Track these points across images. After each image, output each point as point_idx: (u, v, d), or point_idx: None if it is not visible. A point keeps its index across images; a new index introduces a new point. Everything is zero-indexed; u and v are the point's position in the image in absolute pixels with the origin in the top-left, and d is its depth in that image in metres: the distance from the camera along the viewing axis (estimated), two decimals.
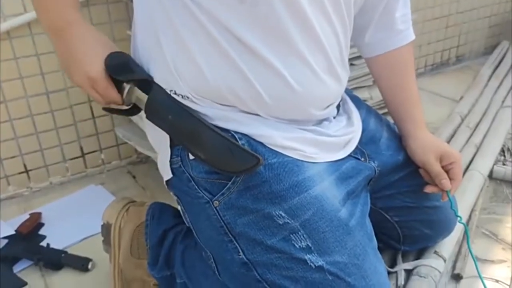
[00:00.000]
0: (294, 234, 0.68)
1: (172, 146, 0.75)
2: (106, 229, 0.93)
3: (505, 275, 1.00)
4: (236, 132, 0.71)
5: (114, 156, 1.46)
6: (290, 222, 0.68)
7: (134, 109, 0.76)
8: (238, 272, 0.71)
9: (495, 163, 1.35)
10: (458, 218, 0.91)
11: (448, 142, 1.44)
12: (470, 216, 1.16)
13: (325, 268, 0.67)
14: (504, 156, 1.39)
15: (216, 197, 0.71)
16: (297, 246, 0.68)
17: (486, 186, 1.28)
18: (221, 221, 0.71)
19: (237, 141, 0.70)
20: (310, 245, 0.68)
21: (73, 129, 1.35)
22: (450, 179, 0.87)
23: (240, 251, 0.70)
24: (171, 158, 0.75)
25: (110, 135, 1.42)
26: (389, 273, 0.97)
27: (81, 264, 1.05)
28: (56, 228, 1.19)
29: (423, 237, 0.96)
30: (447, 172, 0.87)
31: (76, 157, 1.39)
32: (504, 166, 1.33)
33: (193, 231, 0.78)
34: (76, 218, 1.23)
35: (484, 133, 1.48)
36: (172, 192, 0.79)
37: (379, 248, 1.01)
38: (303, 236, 0.68)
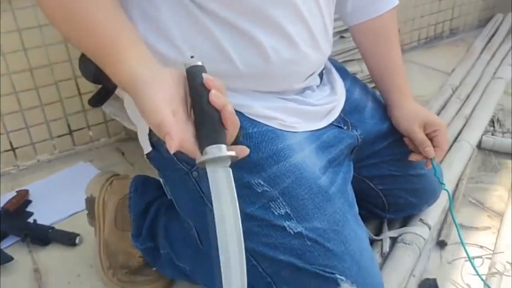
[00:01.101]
0: (273, 202, 0.68)
1: None
2: (90, 202, 0.93)
3: (490, 241, 1.01)
4: None
5: (103, 133, 1.45)
6: (269, 190, 0.68)
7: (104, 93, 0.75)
8: None
9: (484, 133, 1.35)
10: (442, 185, 0.91)
11: (439, 114, 1.44)
12: (457, 185, 1.16)
13: (304, 234, 0.67)
14: (494, 126, 1.39)
15: (194, 167, 0.70)
16: (276, 213, 0.67)
17: (474, 156, 1.28)
18: (200, 191, 0.71)
19: None
20: (289, 212, 0.68)
21: (59, 106, 1.34)
22: (434, 146, 0.86)
23: None
24: (150, 130, 0.74)
25: (97, 112, 1.40)
26: (374, 241, 0.98)
27: (68, 239, 1.06)
28: (43, 205, 1.19)
29: (408, 205, 0.96)
30: (431, 140, 0.87)
31: (64, 135, 1.38)
32: (493, 137, 1.33)
33: (175, 203, 0.78)
34: (63, 195, 1.22)
35: (474, 104, 1.48)
36: (153, 165, 0.79)
37: (364, 217, 1.02)
38: (282, 204, 0.68)
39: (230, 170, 0.55)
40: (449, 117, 1.40)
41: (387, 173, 0.91)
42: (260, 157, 0.69)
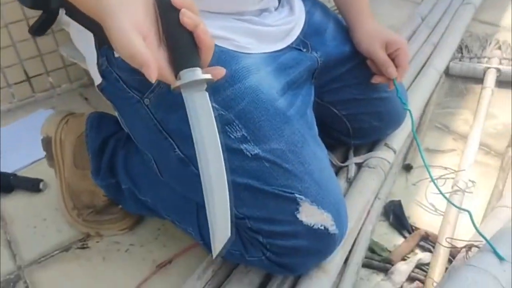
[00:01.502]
0: (228, 125, 0.66)
1: (98, 46, 0.70)
2: (46, 143, 0.90)
3: (454, 162, 1.02)
4: None
5: (64, 79, 1.40)
6: (224, 113, 0.66)
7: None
8: (177, 169, 0.70)
9: (452, 59, 1.34)
10: (404, 106, 0.90)
11: (408, 41, 1.41)
12: (424, 111, 1.16)
13: (262, 156, 0.66)
14: (461, 52, 1.38)
15: (146, 94, 0.67)
16: (232, 136, 0.66)
17: (442, 82, 1.28)
18: (154, 119, 0.68)
19: None
20: (245, 134, 0.66)
21: (12, 51, 1.27)
22: (396, 66, 0.85)
23: (176, 147, 0.68)
24: (98, 60, 0.70)
25: (55, 55, 1.34)
26: (341, 167, 0.98)
27: (32, 185, 1.03)
28: (5, 153, 1.16)
29: (373, 129, 0.96)
30: (393, 60, 0.85)
31: (21, 81, 1.32)
32: (461, 62, 1.32)
33: (130, 134, 0.76)
34: (25, 143, 1.18)
35: (443, 31, 1.45)
36: (105, 97, 0.76)
37: (331, 145, 1.02)
38: (238, 127, 0.66)
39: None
40: (418, 44, 1.38)
41: (350, 97, 0.90)
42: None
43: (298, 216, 0.66)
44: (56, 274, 0.85)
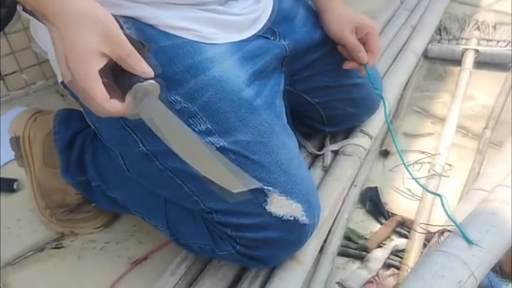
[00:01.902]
0: (192, 118, 0.65)
1: None
2: (15, 142, 0.88)
3: (431, 146, 1.01)
4: (121, 17, 0.64)
5: (39, 76, 1.37)
6: (187, 106, 0.65)
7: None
8: (142, 165, 0.68)
9: (431, 42, 1.32)
10: (377, 91, 0.89)
11: (386, 25, 1.40)
12: (402, 95, 1.15)
13: (228, 148, 0.65)
14: (440, 34, 1.36)
15: None
16: (196, 130, 0.65)
17: (420, 65, 1.27)
18: None
19: (122, 26, 0.64)
20: (210, 127, 0.65)
21: None
22: (367, 51, 0.83)
23: (140, 143, 0.66)
24: None
25: (28, 52, 1.31)
26: (317, 156, 0.97)
27: (6, 185, 1.01)
28: None
29: (347, 116, 0.95)
30: (364, 45, 0.84)
31: None
32: (439, 44, 1.31)
33: (96, 131, 0.74)
34: (1, 143, 1.17)
35: (421, 13, 1.44)
36: (69, 93, 0.74)
37: (306, 134, 1.01)
38: (202, 119, 0.65)
39: (160, 103, 0.52)
40: (397, 27, 1.37)
41: (322, 85, 0.89)
42: (175, 72, 0.65)
43: (266, 207, 0.65)
44: (31, 275, 0.84)
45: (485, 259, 0.60)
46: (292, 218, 0.66)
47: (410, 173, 0.79)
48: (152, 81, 0.52)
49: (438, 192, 0.90)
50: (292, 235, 0.68)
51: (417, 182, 0.78)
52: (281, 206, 0.65)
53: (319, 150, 0.98)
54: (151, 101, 0.51)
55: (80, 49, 0.50)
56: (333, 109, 0.92)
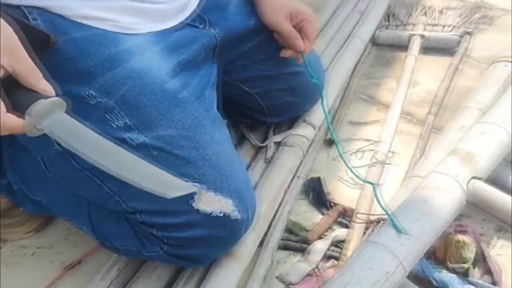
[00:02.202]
0: (109, 114, 0.61)
1: None
2: None
3: (376, 133, 1.00)
4: (27, 7, 0.60)
5: None
6: (103, 101, 0.61)
7: None
8: (59, 165, 0.64)
9: (379, 28, 1.31)
10: (313, 78, 0.86)
11: (335, 12, 1.38)
12: (348, 83, 1.14)
13: (148, 144, 0.61)
14: (388, 20, 1.35)
15: None
16: (114, 125, 0.61)
17: (368, 52, 1.26)
18: None
19: (27, 17, 0.59)
20: (128, 122, 0.61)
21: None
22: (303, 38, 0.81)
23: (54, 142, 0.62)
24: None
25: None
26: (260, 148, 0.95)
27: None
28: None
29: (288, 105, 0.92)
30: (299, 32, 0.81)
31: None
32: (387, 30, 1.30)
33: None
34: None
35: None
36: None
37: (249, 125, 0.99)
38: (120, 114, 0.61)
39: (70, 119, 0.49)
40: (345, 14, 1.35)
41: (259, 74, 0.86)
42: (88, 65, 0.61)
43: (193, 205, 0.62)
44: None
45: (414, 248, 0.59)
46: (222, 214, 0.63)
47: (344, 161, 0.77)
48: (56, 98, 0.48)
49: (380, 181, 0.90)
50: (223, 231, 0.65)
51: (351, 170, 0.77)
52: (209, 202, 0.63)
53: (263, 142, 0.96)
54: (57, 118, 0.48)
55: None
56: (272, 99, 0.90)
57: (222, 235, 0.65)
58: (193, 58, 0.72)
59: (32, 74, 0.48)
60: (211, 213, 0.62)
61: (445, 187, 0.66)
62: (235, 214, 0.64)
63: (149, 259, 0.71)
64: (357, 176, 0.78)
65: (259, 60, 0.85)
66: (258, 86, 0.87)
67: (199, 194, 0.62)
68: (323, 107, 0.83)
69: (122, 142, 0.60)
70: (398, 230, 0.60)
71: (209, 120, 0.69)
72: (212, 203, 0.63)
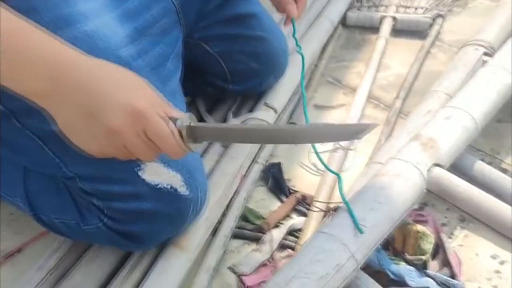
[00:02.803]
0: None
1: None
2: None
3: (342, 118, 0.96)
4: None
5: None
6: None
7: None
8: None
9: (350, 9, 1.26)
10: (298, 49, 0.83)
11: None
12: (316, 65, 1.09)
13: None
14: (361, 1, 1.30)
15: None
16: None
17: (338, 34, 1.21)
18: None
19: None
20: None
21: None
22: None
23: None
24: None
25: None
26: None
27: None
28: None
29: (251, 72, 0.88)
30: None
31: None
32: (358, 11, 1.25)
33: None
34: None
35: None
36: None
37: (208, 94, 0.94)
38: None
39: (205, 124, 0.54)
40: None
41: (221, 33, 0.83)
42: (40, 21, 0.55)
43: (140, 174, 0.58)
44: None
45: (367, 238, 0.56)
46: (169, 187, 0.59)
47: (313, 147, 0.72)
48: (186, 114, 0.50)
49: (343, 167, 0.86)
50: (170, 207, 0.61)
51: (318, 156, 0.72)
52: (156, 173, 0.59)
53: None
54: (197, 130, 0.49)
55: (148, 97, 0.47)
56: (235, 62, 0.85)
57: (169, 211, 0.62)
58: (151, 24, 0.67)
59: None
60: (158, 185, 0.59)
61: (404, 174, 0.62)
62: (183, 189, 0.61)
63: (87, 237, 0.66)
64: (324, 165, 0.74)
65: (221, 20, 0.81)
66: (220, 45, 0.83)
67: (146, 164, 0.58)
68: (302, 80, 0.78)
69: None
70: (355, 222, 0.56)
71: (165, 93, 0.64)
72: (159, 174, 0.59)
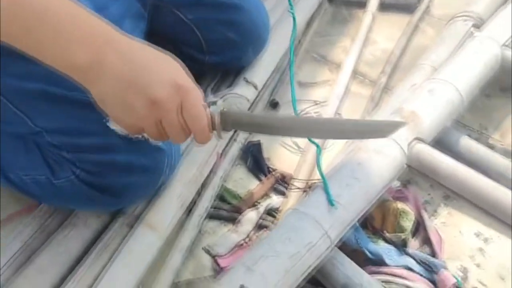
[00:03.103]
0: None
1: None
2: None
3: (325, 94, 0.93)
4: None
5: None
6: None
7: None
8: None
9: None
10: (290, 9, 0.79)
11: None
12: (300, 41, 1.05)
13: None
14: None
15: None
16: None
17: (324, 9, 1.16)
18: None
19: None
20: None
21: None
22: None
23: None
24: None
25: None
26: None
27: None
28: None
29: (229, 43, 0.83)
30: None
31: None
32: None
33: None
34: None
35: None
36: None
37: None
38: None
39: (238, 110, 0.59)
40: None
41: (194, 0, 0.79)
42: None
43: (108, 124, 0.55)
44: None
45: (341, 216, 0.53)
46: (141, 137, 0.57)
47: None
48: (217, 101, 0.53)
49: (324, 145, 0.83)
50: (144, 159, 0.59)
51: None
52: None
53: None
54: (230, 117, 0.50)
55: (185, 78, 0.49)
56: (211, 31, 0.82)
57: (144, 163, 0.60)
58: None
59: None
60: (128, 135, 0.56)
61: (383, 149, 0.59)
62: (156, 141, 0.59)
63: (61, 196, 0.64)
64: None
65: None
66: (194, 12, 0.79)
67: None
68: (291, 44, 0.74)
69: (22, 58, 0.52)
70: (329, 199, 0.53)
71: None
72: None
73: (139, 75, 0.45)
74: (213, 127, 0.49)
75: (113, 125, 0.55)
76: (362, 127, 0.51)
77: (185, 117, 0.47)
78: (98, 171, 0.59)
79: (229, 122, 0.49)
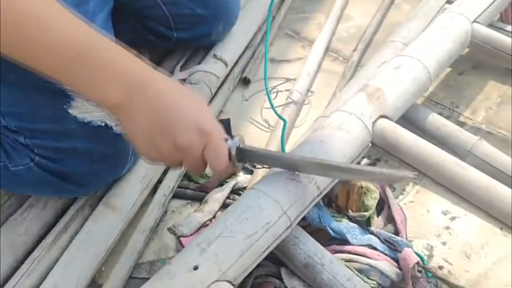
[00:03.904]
0: None
1: None
2: None
3: (297, 72, 0.91)
4: None
5: None
6: None
7: None
8: None
9: None
10: None
11: None
12: (273, 17, 1.03)
13: None
14: None
15: None
16: None
17: None
18: None
19: None
20: None
21: None
22: None
23: None
24: None
25: None
26: None
27: None
28: None
29: (197, 18, 0.81)
30: None
31: None
32: None
33: None
34: None
35: None
36: None
37: (155, 46, 0.88)
38: None
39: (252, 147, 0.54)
40: None
41: None
42: None
43: (70, 111, 0.53)
44: None
45: (302, 195, 0.52)
46: (103, 124, 0.55)
47: (270, 101, 0.67)
48: (236, 136, 0.51)
49: (296, 123, 0.82)
50: (105, 146, 0.58)
51: (274, 110, 0.67)
52: (87, 111, 0.54)
53: None
54: (246, 153, 0.51)
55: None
56: (178, 7, 0.79)
57: (105, 151, 0.59)
58: None
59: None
60: (90, 122, 0.54)
61: (346, 126, 0.58)
62: (119, 128, 0.55)
63: (18, 183, 0.62)
64: (274, 110, 0.68)
65: None
66: None
67: (76, 100, 0.53)
68: (269, 18, 0.72)
69: None
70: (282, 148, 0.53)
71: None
72: (91, 112, 0.54)
73: (167, 121, 0.46)
74: (229, 157, 0.50)
75: (73, 111, 0.53)
76: (373, 175, 0.52)
77: (206, 156, 0.48)
78: (58, 158, 0.58)
79: (244, 157, 0.51)
